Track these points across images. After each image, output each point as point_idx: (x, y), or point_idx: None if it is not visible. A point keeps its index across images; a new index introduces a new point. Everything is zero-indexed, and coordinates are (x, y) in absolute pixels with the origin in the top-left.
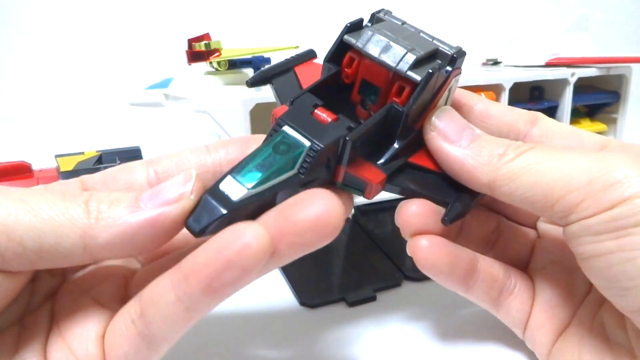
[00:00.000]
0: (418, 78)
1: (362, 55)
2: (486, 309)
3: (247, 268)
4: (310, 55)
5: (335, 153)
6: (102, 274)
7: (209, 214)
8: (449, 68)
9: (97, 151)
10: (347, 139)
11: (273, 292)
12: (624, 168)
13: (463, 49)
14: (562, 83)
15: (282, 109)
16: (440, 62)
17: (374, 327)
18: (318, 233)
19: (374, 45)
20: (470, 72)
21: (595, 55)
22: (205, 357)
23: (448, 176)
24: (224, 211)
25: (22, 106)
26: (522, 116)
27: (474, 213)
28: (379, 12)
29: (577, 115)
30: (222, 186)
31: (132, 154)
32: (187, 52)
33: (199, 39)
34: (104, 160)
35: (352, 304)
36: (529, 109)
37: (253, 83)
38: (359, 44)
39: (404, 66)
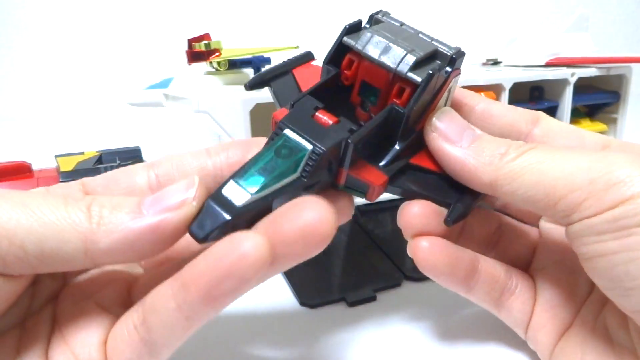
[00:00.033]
0: (419, 79)
1: (362, 57)
2: (488, 309)
3: (246, 277)
4: (308, 57)
5: (337, 156)
6: (105, 278)
7: (212, 220)
8: (448, 69)
9: (97, 151)
10: (349, 141)
11: (273, 292)
12: (626, 167)
13: (462, 50)
14: (562, 83)
15: (282, 112)
16: (440, 62)
17: (374, 327)
18: (307, 243)
19: (373, 46)
20: (470, 72)
21: (595, 55)
22: (205, 357)
23: (449, 177)
24: (228, 217)
25: (22, 106)
26: (523, 116)
27: (475, 213)
28: (377, 13)
29: (577, 115)
30: (225, 191)
31: (132, 154)
32: (187, 52)
33: (199, 39)
34: (104, 160)
35: (352, 304)
36: (529, 109)
37: (251, 86)
38: (359, 46)
39: (404, 67)
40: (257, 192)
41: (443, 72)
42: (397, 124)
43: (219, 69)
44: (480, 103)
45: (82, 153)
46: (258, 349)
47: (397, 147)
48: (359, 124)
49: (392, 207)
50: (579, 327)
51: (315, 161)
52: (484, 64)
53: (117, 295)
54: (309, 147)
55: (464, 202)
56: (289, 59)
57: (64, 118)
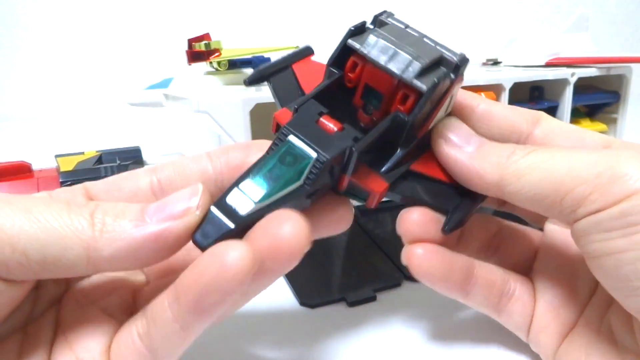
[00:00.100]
0: (424, 87)
1: (366, 60)
2: (488, 314)
3: (228, 290)
4: (307, 52)
5: (340, 162)
6: (110, 285)
7: (217, 228)
8: (452, 76)
9: (97, 151)
10: (354, 150)
11: (273, 292)
12: (632, 162)
13: (467, 56)
14: (562, 83)
15: (283, 112)
16: (445, 70)
17: (374, 327)
18: (275, 260)
19: (378, 51)
20: (470, 72)
21: (595, 55)
22: (204, 357)
23: (449, 184)
24: (232, 226)
25: (22, 106)
26: (524, 116)
27: (474, 218)
28: (381, 14)
29: (577, 115)
30: (229, 199)
31: (132, 154)
32: (187, 52)
33: (199, 39)
34: (104, 160)
35: (352, 304)
36: (530, 109)
37: (251, 82)
38: (364, 50)
39: (409, 75)
40: (261, 200)
41: (447, 80)
42: (399, 131)
43: (219, 69)
44: (481, 104)
45: (82, 153)
46: (258, 349)
47: (398, 153)
48: (360, 125)
49: (392, 208)
50: (583, 329)
51: (319, 169)
52: (484, 64)
53: (122, 301)
54: (314, 155)
55: (461, 210)
56: (288, 54)
57: (64, 118)
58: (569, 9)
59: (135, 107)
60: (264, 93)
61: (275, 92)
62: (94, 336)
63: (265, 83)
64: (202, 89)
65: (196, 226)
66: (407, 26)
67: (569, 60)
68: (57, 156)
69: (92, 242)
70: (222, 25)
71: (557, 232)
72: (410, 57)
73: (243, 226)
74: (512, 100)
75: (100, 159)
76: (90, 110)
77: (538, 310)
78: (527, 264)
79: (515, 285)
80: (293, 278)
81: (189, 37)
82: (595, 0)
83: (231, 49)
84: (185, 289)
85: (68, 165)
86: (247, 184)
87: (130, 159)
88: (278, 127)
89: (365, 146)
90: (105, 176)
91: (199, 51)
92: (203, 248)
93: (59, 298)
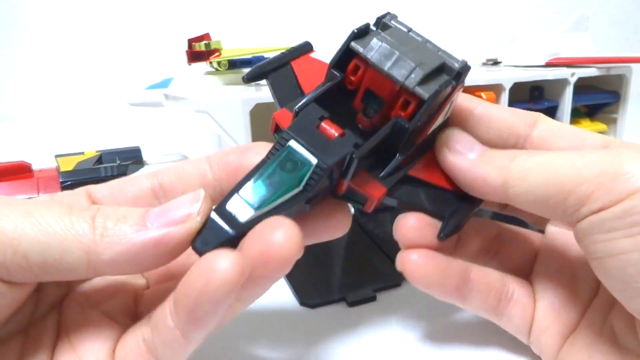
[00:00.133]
0: (426, 95)
1: (368, 64)
2: (488, 318)
3: (218, 300)
4: (306, 48)
5: (340, 168)
6: (111, 288)
7: (216, 235)
8: (453, 83)
9: (97, 151)
10: (354, 156)
11: (273, 292)
12: (633, 160)
13: (468, 63)
14: (562, 83)
15: (283, 112)
16: (446, 77)
17: (374, 327)
18: (267, 268)
19: (381, 56)
20: (470, 72)
21: (595, 55)
22: (204, 357)
23: (446, 189)
24: (232, 233)
25: (22, 106)
26: (522, 118)
27: (471, 222)
28: (384, 16)
29: (577, 115)
30: (229, 206)
31: (132, 154)
32: (187, 52)
33: (199, 39)
34: (104, 160)
35: (352, 304)
36: (529, 109)
37: (250, 79)
38: (367, 54)
39: (411, 82)
40: (260, 207)
41: (449, 87)
42: (399, 137)
43: (219, 69)
44: (479, 106)
45: (82, 153)
46: (258, 349)
47: (397, 158)
48: (359, 128)
49: (392, 208)
50: (585, 330)
51: (319, 176)
52: (484, 64)
53: (123, 305)
54: (314, 161)
55: (457, 216)
56: (287, 50)
57: (64, 118)
58: (569, 9)
59: (135, 107)
60: (263, 93)
61: (274, 90)
62: (98, 339)
63: (265, 81)
64: (202, 89)
65: (197, 232)
66: (410, 30)
67: (569, 60)
68: (57, 156)
69: (92, 246)
70: (222, 25)
71: (558, 233)
72: (413, 64)
73: (242, 233)
74: (512, 100)
75: (100, 159)
76: (90, 110)
77: (539, 312)
78: (527, 266)
79: (514, 288)
80: (293, 278)
81: (189, 37)
82: (595, 0)
83: (231, 49)
84: (182, 297)
85: (68, 165)
86: (247, 190)
87: (130, 159)
88: (277, 127)
89: (365, 153)
90: (105, 176)
91: (199, 51)
92: (202, 255)
93: (60, 301)
